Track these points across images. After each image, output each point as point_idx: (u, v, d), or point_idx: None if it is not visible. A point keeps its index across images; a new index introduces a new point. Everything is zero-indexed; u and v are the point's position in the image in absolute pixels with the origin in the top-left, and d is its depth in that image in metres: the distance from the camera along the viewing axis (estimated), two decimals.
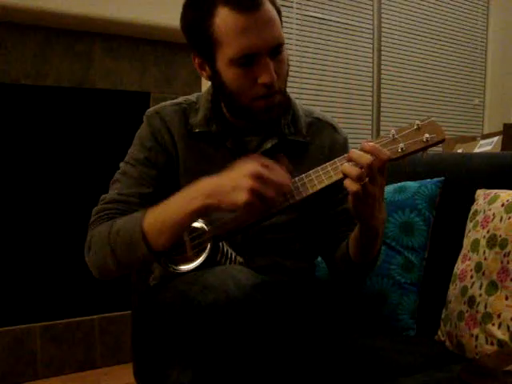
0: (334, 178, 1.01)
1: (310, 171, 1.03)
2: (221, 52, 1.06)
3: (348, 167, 0.97)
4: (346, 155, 1.01)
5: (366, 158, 0.95)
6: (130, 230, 1.04)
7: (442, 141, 1.01)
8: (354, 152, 0.97)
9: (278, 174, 0.98)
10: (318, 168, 1.03)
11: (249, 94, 1.08)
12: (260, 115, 1.11)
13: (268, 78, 1.05)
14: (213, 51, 1.07)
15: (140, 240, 1.02)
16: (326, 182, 1.02)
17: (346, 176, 0.98)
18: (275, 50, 1.07)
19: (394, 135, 1.00)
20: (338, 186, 1.03)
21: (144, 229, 1.03)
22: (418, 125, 1.00)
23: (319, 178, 1.02)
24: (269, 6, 1.06)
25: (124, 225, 1.06)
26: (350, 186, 0.97)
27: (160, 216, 1.03)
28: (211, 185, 1.00)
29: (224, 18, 1.03)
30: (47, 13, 2.03)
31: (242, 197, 0.95)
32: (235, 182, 0.96)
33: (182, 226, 1.02)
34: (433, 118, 1.01)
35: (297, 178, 1.03)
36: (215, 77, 1.11)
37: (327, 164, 1.02)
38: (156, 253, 1.04)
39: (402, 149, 1.00)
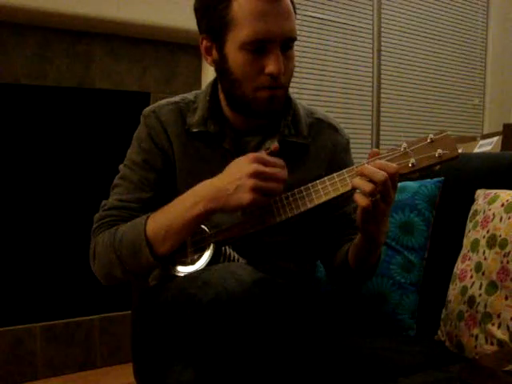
0: (341, 191, 0.99)
1: (317, 181, 1.01)
2: (234, 34, 1.04)
3: (361, 182, 0.95)
4: (353, 167, 0.99)
5: (381, 175, 0.93)
6: (133, 238, 1.04)
7: (455, 158, 0.97)
8: (366, 167, 0.95)
9: (275, 165, 0.98)
10: (325, 178, 1.01)
11: (253, 83, 1.06)
12: (261, 106, 1.08)
13: (276, 68, 1.04)
14: (225, 33, 1.05)
15: (145, 248, 1.03)
16: (333, 194, 1.00)
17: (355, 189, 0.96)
18: (287, 43, 1.06)
19: (405, 148, 0.98)
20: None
21: (148, 236, 1.03)
22: (431, 138, 0.97)
23: (325, 189, 1.00)
24: (288, 1, 1.06)
25: (127, 233, 1.06)
26: (361, 200, 0.95)
27: (163, 223, 1.03)
28: (212, 189, 0.99)
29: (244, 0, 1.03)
30: (47, 13, 2.03)
31: (246, 197, 0.96)
32: (237, 183, 0.96)
33: (186, 232, 1.02)
34: (448, 132, 0.98)
35: (302, 188, 1.02)
36: (221, 62, 1.09)
37: (334, 175, 1.00)
38: (160, 259, 1.04)
39: (412, 164, 0.97)
